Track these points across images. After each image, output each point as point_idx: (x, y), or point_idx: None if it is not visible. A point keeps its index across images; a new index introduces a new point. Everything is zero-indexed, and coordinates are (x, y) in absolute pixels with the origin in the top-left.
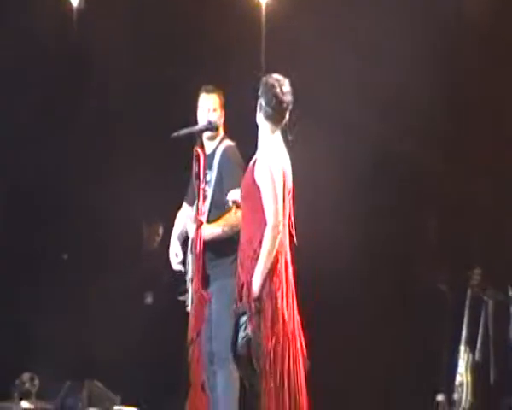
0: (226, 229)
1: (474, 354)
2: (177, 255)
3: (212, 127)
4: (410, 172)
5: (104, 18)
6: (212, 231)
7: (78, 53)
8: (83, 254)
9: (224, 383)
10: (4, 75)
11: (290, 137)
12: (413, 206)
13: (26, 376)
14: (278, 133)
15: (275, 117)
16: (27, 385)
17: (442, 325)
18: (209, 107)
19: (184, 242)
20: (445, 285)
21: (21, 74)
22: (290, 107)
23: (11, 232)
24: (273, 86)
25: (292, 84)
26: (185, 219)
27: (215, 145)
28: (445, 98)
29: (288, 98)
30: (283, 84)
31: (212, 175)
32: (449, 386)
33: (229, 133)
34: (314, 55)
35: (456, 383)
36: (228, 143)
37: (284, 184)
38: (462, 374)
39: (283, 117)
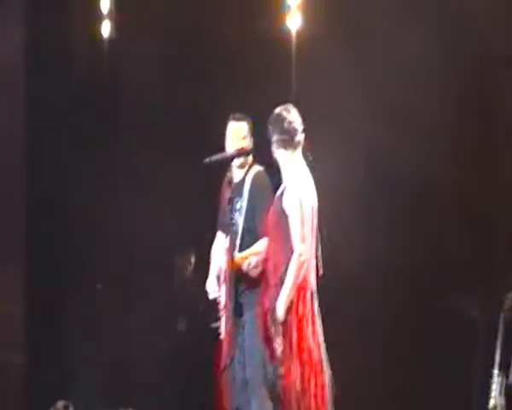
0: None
1: (507, 377)
2: (213, 285)
3: (244, 153)
4: (437, 192)
5: (135, 47)
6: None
7: (108, 82)
8: (116, 283)
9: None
10: (39, 104)
11: (310, 157)
12: (442, 228)
13: (60, 404)
14: (298, 156)
15: (290, 141)
16: None
17: (474, 349)
18: (238, 135)
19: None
20: (476, 311)
21: (55, 102)
22: (302, 128)
23: (47, 262)
24: (280, 114)
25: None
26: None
27: (244, 172)
28: (467, 113)
29: (297, 119)
30: (289, 109)
31: (242, 203)
32: None
33: (258, 160)
34: (344, 81)
35: (490, 406)
36: (257, 168)
37: (312, 214)
38: (496, 398)
39: (298, 138)
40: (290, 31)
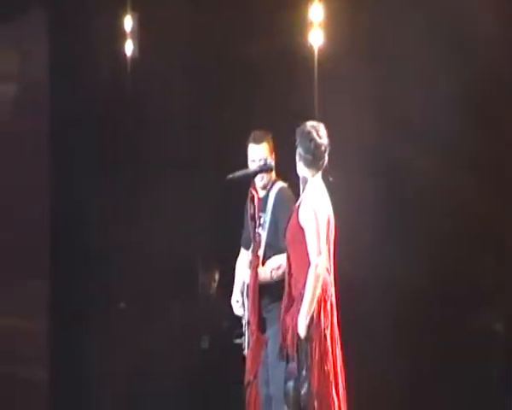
0: (275, 274)
1: None
2: (237, 301)
3: (267, 168)
4: (454, 205)
5: (158, 66)
6: (265, 275)
7: (132, 101)
8: (139, 301)
9: None
10: (63, 123)
11: (331, 179)
12: (463, 240)
13: None
14: (319, 177)
15: (314, 162)
16: None
17: (498, 365)
18: (259, 157)
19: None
20: (500, 325)
21: (78, 121)
22: (328, 149)
23: (71, 278)
24: (309, 133)
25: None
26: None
27: (268, 188)
28: (486, 126)
29: (325, 141)
30: (319, 129)
31: (266, 218)
32: None
33: (282, 176)
34: (367, 98)
35: None
36: (281, 184)
37: (328, 227)
38: None
39: (323, 161)
40: (313, 47)
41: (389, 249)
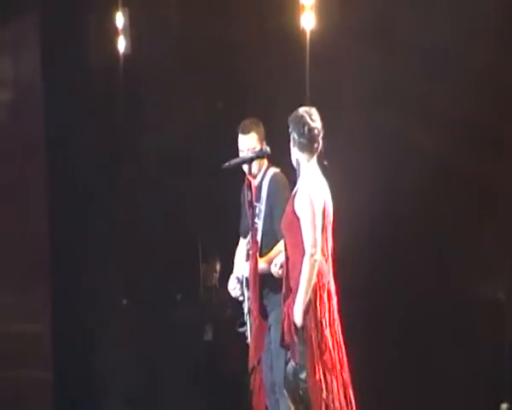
0: (265, 266)
1: None
2: (233, 283)
3: (263, 154)
4: (463, 179)
5: (150, 62)
6: (261, 266)
7: (124, 96)
8: (142, 297)
9: None
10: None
11: (326, 163)
12: (467, 210)
13: None
14: (314, 161)
15: (309, 146)
16: None
17: (502, 333)
18: (248, 147)
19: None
20: (503, 294)
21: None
22: (321, 133)
23: (73, 279)
24: (302, 117)
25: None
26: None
27: (261, 176)
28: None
29: (319, 125)
30: (312, 113)
31: (261, 207)
32: None
33: (275, 161)
34: (359, 81)
35: None
36: (273, 170)
37: (324, 214)
38: None
39: (317, 144)
40: (305, 30)
41: (387, 229)
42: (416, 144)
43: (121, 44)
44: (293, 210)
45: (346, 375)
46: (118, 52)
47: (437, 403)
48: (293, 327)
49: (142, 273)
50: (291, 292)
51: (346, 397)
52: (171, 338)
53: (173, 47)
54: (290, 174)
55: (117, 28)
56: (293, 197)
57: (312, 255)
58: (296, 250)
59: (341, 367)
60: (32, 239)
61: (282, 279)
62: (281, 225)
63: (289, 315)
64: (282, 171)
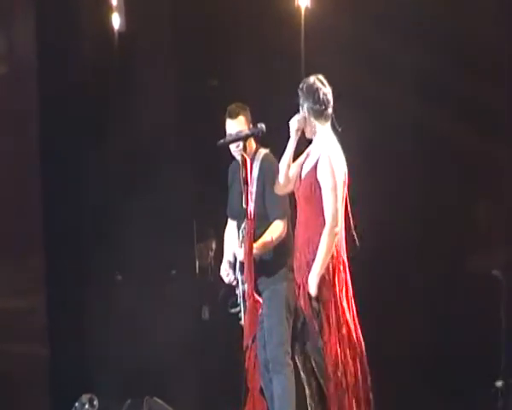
0: (258, 252)
1: None
2: (226, 271)
3: (258, 132)
4: (460, 153)
5: (145, 39)
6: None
7: (119, 74)
8: (137, 273)
9: (281, 389)
10: (51, 98)
11: (339, 129)
12: (465, 187)
13: (85, 397)
14: (329, 127)
15: (324, 112)
16: (87, 407)
17: (498, 311)
18: (235, 131)
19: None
20: (499, 271)
21: (66, 96)
22: (332, 97)
23: (66, 253)
24: (315, 83)
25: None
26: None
27: (251, 157)
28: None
29: (330, 91)
30: (322, 79)
31: (251, 189)
32: (508, 372)
33: (268, 138)
34: (354, 57)
35: None
36: (263, 151)
37: (344, 185)
38: None
39: (330, 112)
40: (299, 7)
41: (383, 205)
42: (412, 119)
43: (116, 21)
44: (316, 178)
45: (363, 349)
46: (112, 28)
47: (433, 380)
48: (307, 297)
49: (138, 251)
50: (307, 266)
51: (362, 371)
52: (166, 316)
53: (167, 24)
54: (279, 156)
55: (112, 4)
56: (315, 165)
57: (333, 227)
58: (315, 222)
59: (358, 340)
60: (24, 213)
61: (276, 256)
62: (297, 194)
63: (304, 285)
64: (271, 152)
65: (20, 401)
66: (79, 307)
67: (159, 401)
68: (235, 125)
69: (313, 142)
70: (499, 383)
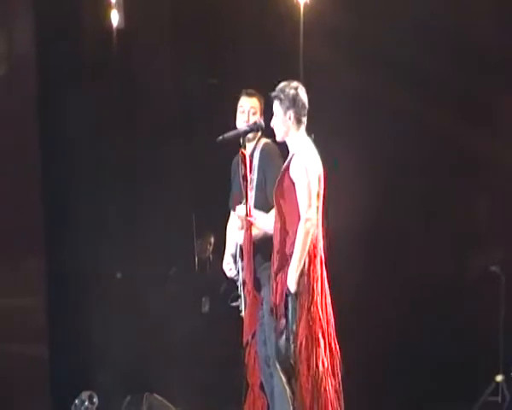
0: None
1: None
2: (229, 264)
3: (257, 128)
4: (460, 151)
5: (144, 34)
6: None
7: (119, 69)
8: (136, 271)
9: (282, 385)
10: (49, 94)
11: (313, 136)
12: (463, 183)
13: (84, 395)
14: (303, 131)
15: (302, 119)
16: (87, 404)
17: (497, 306)
18: (249, 109)
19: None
20: (498, 267)
21: (65, 91)
22: (307, 108)
23: (67, 252)
24: (297, 93)
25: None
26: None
27: (253, 146)
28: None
29: (306, 101)
30: (299, 88)
31: (253, 177)
32: (508, 367)
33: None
34: (352, 53)
35: None
36: (264, 140)
37: (319, 183)
38: None
39: (304, 119)
40: (298, 3)
41: (378, 198)
42: (409, 112)
43: (115, 17)
44: (289, 176)
45: (334, 345)
46: (111, 24)
47: (433, 375)
48: (285, 294)
49: (137, 248)
50: (287, 262)
51: (333, 367)
52: (165, 312)
53: (166, 22)
54: (281, 144)
55: (110, 2)
56: (288, 164)
57: (308, 220)
58: (292, 218)
59: (329, 336)
60: (25, 211)
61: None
62: (274, 194)
63: (283, 282)
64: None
65: (19, 401)
66: (80, 305)
67: (158, 397)
68: (249, 102)
69: (288, 144)
70: (499, 378)
